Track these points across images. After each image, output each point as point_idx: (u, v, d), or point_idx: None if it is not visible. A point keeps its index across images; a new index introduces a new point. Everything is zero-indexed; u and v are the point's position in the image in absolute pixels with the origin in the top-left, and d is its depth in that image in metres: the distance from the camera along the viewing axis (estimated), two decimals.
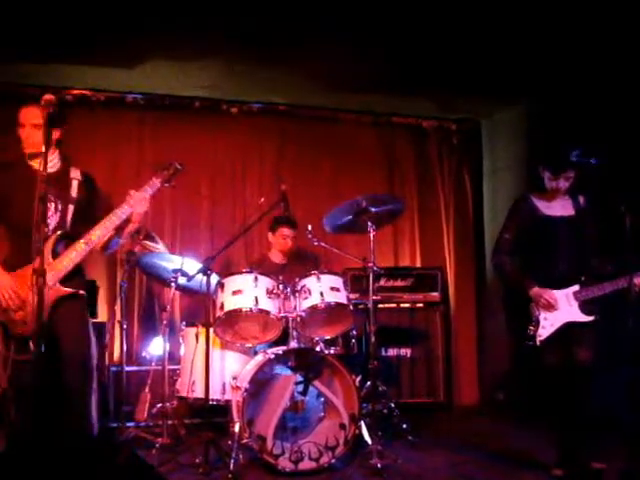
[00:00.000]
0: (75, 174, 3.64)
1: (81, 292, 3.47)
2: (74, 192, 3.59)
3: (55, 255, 3.41)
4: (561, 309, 3.83)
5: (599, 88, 5.31)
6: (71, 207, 3.57)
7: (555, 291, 3.84)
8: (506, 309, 4.07)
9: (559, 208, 3.98)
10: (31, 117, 3.42)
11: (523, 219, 4.00)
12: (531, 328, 3.83)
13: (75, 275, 3.50)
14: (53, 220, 3.49)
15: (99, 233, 3.48)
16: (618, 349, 4.38)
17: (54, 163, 3.55)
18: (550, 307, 3.81)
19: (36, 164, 3.44)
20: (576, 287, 3.85)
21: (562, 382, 3.82)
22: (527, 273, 3.92)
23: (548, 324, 3.82)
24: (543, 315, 3.83)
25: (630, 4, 4.41)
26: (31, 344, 3.22)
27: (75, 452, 3.22)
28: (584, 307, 3.83)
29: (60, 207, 3.53)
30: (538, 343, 3.80)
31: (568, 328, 3.82)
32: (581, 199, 4.01)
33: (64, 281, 3.41)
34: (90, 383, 3.49)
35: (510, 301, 4.03)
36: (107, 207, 3.63)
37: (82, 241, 3.45)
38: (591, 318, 3.82)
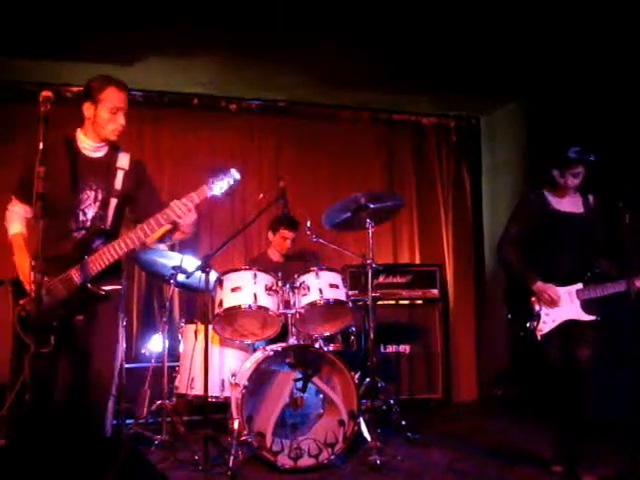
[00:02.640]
0: (123, 162, 3.34)
1: (114, 288, 3.21)
2: (118, 184, 3.28)
3: (91, 252, 3.14)
4: (563, 306, 3.81)
5: (598, 84, 5.30)
6: (114, 200, 3.27)
7: (559, 287, 3.83)
8: (507, 302, 4.03)
9: (569, 204, 3.95)
10: (119, 101, 3.34)
11: (533, 212, 3.96)
12: (531, 322, 3.81)
13: (113, 273, 3.23)
14: (91, 210, 3.23)
15: (141, 234, 3.17)
16: (618, 350, 4.38)
17: (101, 147, 3.31)
18: (552, 303, 3.80)
19: (89, 150, 3.27)
20: (579, 285, 3.83)
21: (562, 380, 3.80)
22: (531, 267, 3.89)
23: (549, 320, 3.81)
24: (544, 310, 3.82)
25: (625, 3, 4.42)
26: (52, 338, 3.04)
27: (88, 451, 3.14)
28: (586, 306, 3.81)
29: (100, 197, 3.25)
30: (539, 338, 3.79)
31: (569, 326, 3.81)
32: (591, 198, 3.99)
33: (100, 279, 3.14)
34: (109, 388, 3.32)
35: (512, 294, 4.00)
36: (156, 200, 3.42)
37: (120, 241, 3.16)
38: (593, 318, 3.80)
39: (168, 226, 3.26)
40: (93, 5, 4.56)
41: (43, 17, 4.70)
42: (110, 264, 3.15)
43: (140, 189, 3.40)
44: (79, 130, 3.32)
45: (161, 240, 3.45)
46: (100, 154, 3.32)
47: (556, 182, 3.92)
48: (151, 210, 3.24)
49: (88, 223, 3.22)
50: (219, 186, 3.24)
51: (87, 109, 3.25)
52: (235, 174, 3.28)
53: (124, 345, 3.46)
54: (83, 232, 3.20)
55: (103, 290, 3.15)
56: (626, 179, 4.19)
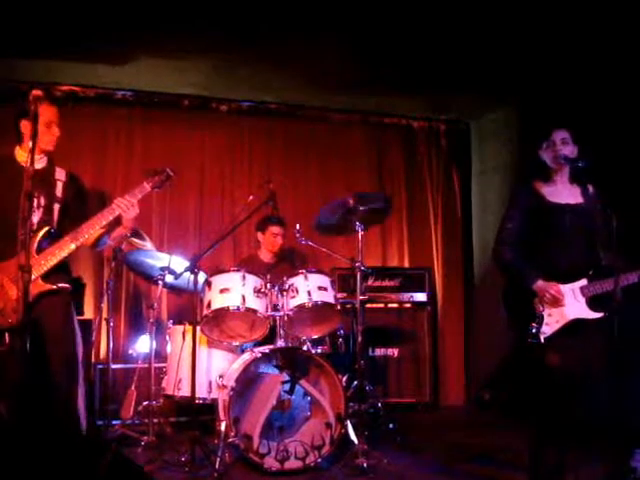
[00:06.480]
0: (60, 175, 3.69)
1: (63, 285, 3.49)
2: (59, 192, 3.65)
3: (39, 250, 3.43)
4: (567, 305, 3.52)
5: (588, 90, 5.33)
6: (57, 206, 3.62)
7: (561, 285, 3.53)
8: (507, 307, 3.71)
9: (566, 195, 3.66)
10: (52, 115, 3.55)
11: (526, 207, 3.68)
12: (534, 325, 3.51)
13: (59, 271, 3.52)
14: (36, 215, 3.50)
15: (86, 231, 3.51)
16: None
17: (40, 160, 3.55)
18: (556, 302, 3.50)
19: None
20: (583, 282, 3.54)
21: (561, 387, 3.48)
22: (531, 266, 3.61)
23: (553, 320, 3.51)
24: (547, 311, 3.52)
25: (618, 7, 4.44)
26: (7, 336, 3.30)
27: (62, 448, 3.17)
28: (592, 303, 3.52)
29: (43, 203, 3.56)
30: (542, 340, 3.49)
31: (574, 326, 3.51)
32: (590, 188, 3.71)
33: (47, 276, 3.43)
34: (76, 378, 3.49)
35: (512, 298, 3.69)
36: (94, 206, 3.71)
37: (67, 238, 3.49)
38: (600, 315, 3.49)
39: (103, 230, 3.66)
40: (85, 4, 4.54)
41: (34, 16, 4.67)
42: (58, 262, 3.47)
43: (76, 200, 3.74)
44: (17, 147, 3.63)
45: (99, 240, 3.74)
46: (39, 166, 3.52)
47: (547, 165, 3.65)
48: (80, 218, 3.58)
49: (34, 227, 3.46)
50: (157, 182, 3.72)
51: (24, 126, 3.52)
52: (169, 172, 3.76)
53: (80, 335, 3.63)
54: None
55: (55, 285, 3.45)
56: (615, 184, 4.15)
